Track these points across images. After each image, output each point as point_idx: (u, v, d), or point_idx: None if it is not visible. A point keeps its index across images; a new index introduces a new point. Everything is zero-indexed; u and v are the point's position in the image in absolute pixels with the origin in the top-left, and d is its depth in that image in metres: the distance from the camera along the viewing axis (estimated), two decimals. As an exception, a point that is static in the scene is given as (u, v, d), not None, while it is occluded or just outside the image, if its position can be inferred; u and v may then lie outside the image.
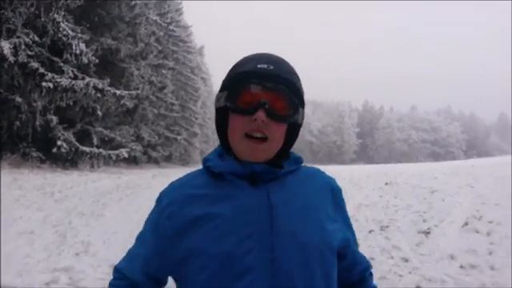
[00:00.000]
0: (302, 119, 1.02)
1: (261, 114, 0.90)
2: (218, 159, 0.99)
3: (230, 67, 1.02)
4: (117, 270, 1.04)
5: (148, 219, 1.03)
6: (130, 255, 1.03)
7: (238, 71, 0.96)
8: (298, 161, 1.04)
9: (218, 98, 0.98)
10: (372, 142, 79.29)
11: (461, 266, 4.90)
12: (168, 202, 0.97)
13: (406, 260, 5.30)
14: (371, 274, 1.14)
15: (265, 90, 0.92)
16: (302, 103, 1.00)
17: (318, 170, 1.10)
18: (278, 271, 0.85)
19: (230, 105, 0.94)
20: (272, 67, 0.93)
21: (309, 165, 1.16)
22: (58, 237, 5.89)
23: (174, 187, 1.01)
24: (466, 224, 6.66)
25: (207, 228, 0.90)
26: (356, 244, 1.09)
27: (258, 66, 0.93)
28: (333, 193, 1.03)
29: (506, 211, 6.89)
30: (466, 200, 8.53)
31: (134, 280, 0.99)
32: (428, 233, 6.43)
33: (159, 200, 1.01)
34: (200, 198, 0.94)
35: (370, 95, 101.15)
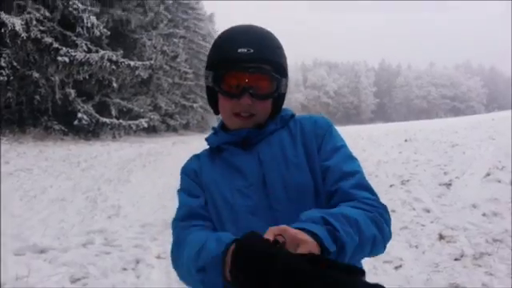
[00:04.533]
0: (286, 87, 1.07)
1: (246, 99, 0.99)
2: (213, 136, 1.13)
3: (213, 43, 1.07)
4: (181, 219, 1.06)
5: (180, 187, 1.14)
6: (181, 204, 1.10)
7: (220, 56, 1.02)
8: (285, 118, 1.11)
9: (206, 76, 1.05)
10: (390, 101, 78.04)
11: (483, 214, 4.95)
12: (190, 167, 1.13)
13: (428, 211, 5.37)
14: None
15: (247, 73, 0.98)
16: (284, 74, 1.04)
17: (304, 118, 1.14)
18: (275, 215, 0.98)
19: (216, 87, 1.02)
20: (252, 50, 0.97)
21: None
22: (88, 202, 6.14)
23: (193, 158, 1.17)
24: (488, 175, 6.64)
25: (215, 187, 1.05)
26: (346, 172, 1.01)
27: (239, 50, 0.97)
28: (316, 134, 1.08)
29: (530, 160, 6.82)
30: (487, 152, 8.45)
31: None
32: (449, 185, 6.45)
33: (183, 169, 1.16)
34: (208, 167, 1.10)
35: (386, 54, 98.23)
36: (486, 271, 3.49)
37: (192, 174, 1.11)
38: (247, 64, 0.97)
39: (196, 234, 0.96)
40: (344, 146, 1.08)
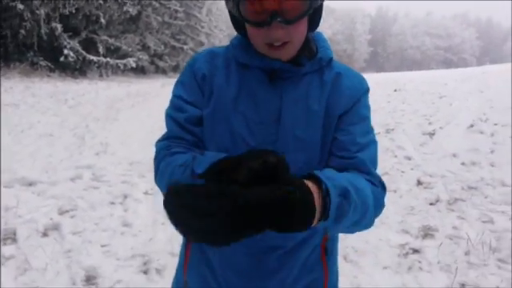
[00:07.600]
0: None
1: (276, 29, 0.84)
2: (243, 49, 0.97)
3: None
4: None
5: (181, 79, 1.04)
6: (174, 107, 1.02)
7: None
8: (321, 61, 0.97)
9: (226, 0, 0.90)
10: (383, 50, 77.02)
11: (462, 163, 5.12)
12: (200, 67, 0.99)
13: (409, 158, 5.53)
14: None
15: None
16: None
17: (344, 69, 1.01)
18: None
19: (239, 17, 0.87)
20: None
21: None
22: (76, 139, 6.17)
23: (207, 56, 1.01)
24: (472, 126, 6.77)
25: (225, 103, 0.95)
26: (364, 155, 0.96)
27: None
28: (350, 94, 0.97)
29: (514, 113, 6.94)
30: (473, 104, 8.55)
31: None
32: (433, 134, 6.59)
33: (192, 63, 1.02)
34: (222, 76, 0.97)
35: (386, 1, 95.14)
36: (459, 215, 3.68)
37: (199, 75, 0.98)
38: None
39: (171, 164, 0.92)
40: (369, 117, 1.01)
